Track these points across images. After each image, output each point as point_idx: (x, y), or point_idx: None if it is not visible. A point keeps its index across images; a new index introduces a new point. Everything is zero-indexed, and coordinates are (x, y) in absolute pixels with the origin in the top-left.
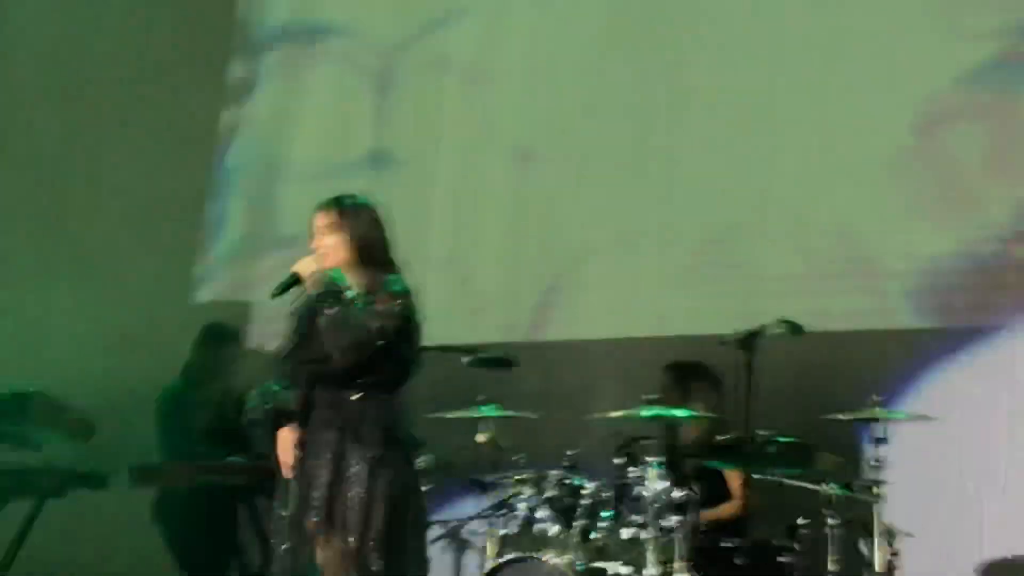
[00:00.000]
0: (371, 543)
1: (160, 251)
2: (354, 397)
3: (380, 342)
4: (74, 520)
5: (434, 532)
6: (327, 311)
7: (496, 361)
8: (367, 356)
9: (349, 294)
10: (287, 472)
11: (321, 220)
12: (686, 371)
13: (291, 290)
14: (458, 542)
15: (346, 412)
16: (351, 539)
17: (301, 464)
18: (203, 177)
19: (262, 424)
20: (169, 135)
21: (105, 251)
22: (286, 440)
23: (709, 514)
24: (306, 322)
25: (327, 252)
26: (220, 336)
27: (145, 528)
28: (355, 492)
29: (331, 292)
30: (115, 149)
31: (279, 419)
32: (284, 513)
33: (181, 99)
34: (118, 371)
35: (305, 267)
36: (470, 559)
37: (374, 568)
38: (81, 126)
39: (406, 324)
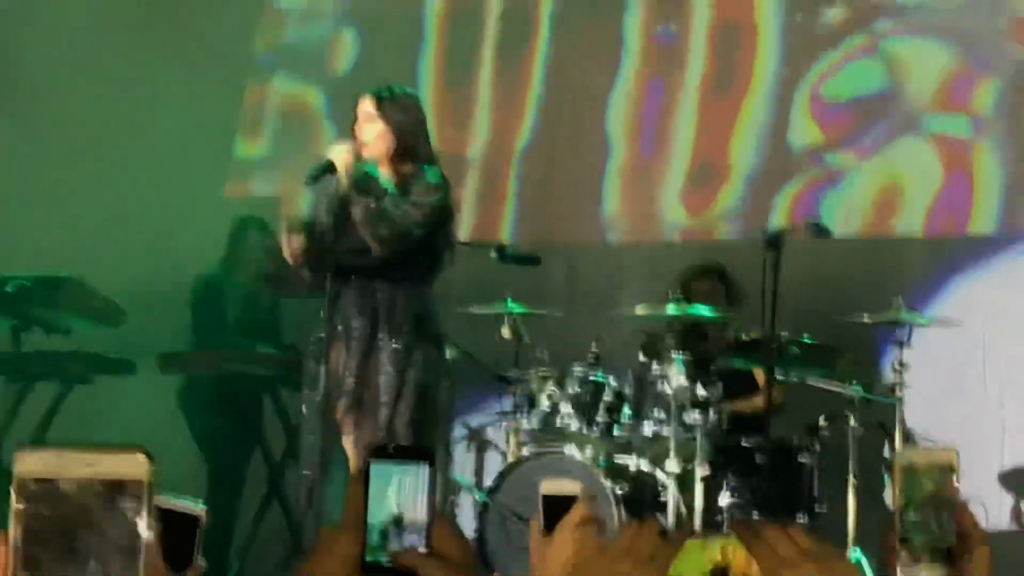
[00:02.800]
0: (399, 429)
1: (195, 145)
2: (387, 285)
3: (417, 233)
4: (101, 406)
5: (457, 431)
6: (363, 202)
7: (524, 258)
8: (403, 247)
9: (385, 185)
10: None
11: (364, 109)
12: (706, 272)
13: (324, 176)
14: (480, 441)
15: (378, 300)
16: (381, 420)
17: (329, 350)
18: (241, 71)
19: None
20: (208, 39)
21: (140, 144)
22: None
23: (741, 405)
24: (338, 211)
25: (368, 141)
26: (244, 226)
27: (171, 415)
28: (385, 378)
29: (364, 184)
30: (153, 51)
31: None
32: (312, 397)
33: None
34: (150, 262)
35: (339, 154)
36: (492, 458)
37: None
38: (116, 24)
39: (442, 216)
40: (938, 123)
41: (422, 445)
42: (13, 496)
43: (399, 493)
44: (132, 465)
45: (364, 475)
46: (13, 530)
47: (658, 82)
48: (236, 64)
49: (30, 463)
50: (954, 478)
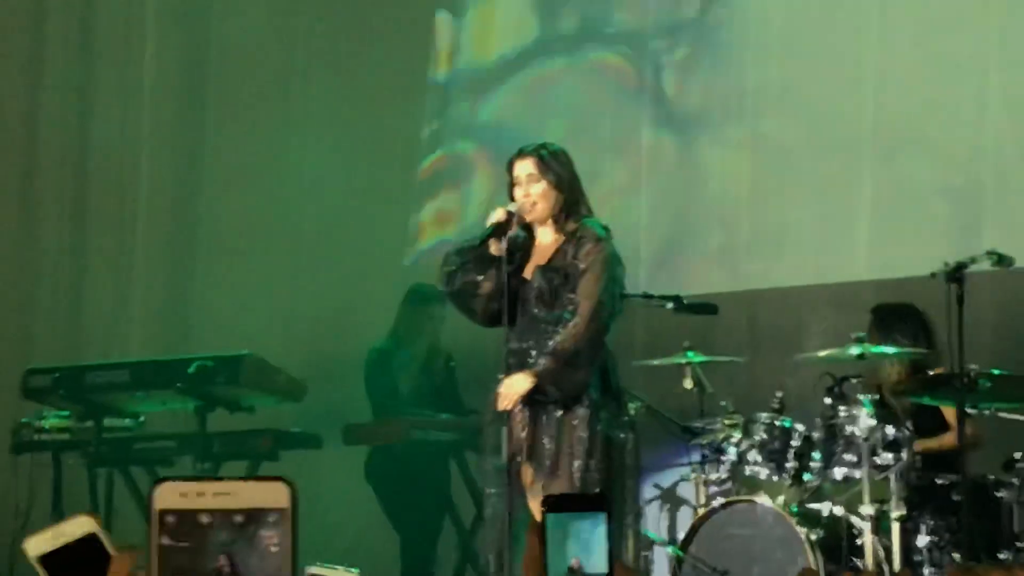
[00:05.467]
0: (591, 488)
1: (372, 216)
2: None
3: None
4: None
5: (649, 492)
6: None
7: (701, 307)
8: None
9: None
10: (505, 404)
11: (524, 170)
12: (892, 312)
13: (491, 241)
14: (670, 496)
15: None
16: (575, 481)
17: (510, 412)
18: (413, 141)
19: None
20: (379, 105)
21: (315, 218)
22: (520, 382)
23: (929, 443)
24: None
25: (534, 201)
26: (423, 296)
27: (360, 487)
28: (577, 437)
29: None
30: (325, 119)
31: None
32: (495, 461)
33: (393, 79)
34: (329, 335)
35: (500, 217)
36: (683, 512)
37: None
38: (295, 99)
39: (609, 269)
40: None
41: (597, 494)
42: (152, 530)
43: (577, 543)
44: (272, 494)
45: (541, 527)
46: (155, 566)
47: None
48: (409, 130)
49: (168, 496)
50: None
